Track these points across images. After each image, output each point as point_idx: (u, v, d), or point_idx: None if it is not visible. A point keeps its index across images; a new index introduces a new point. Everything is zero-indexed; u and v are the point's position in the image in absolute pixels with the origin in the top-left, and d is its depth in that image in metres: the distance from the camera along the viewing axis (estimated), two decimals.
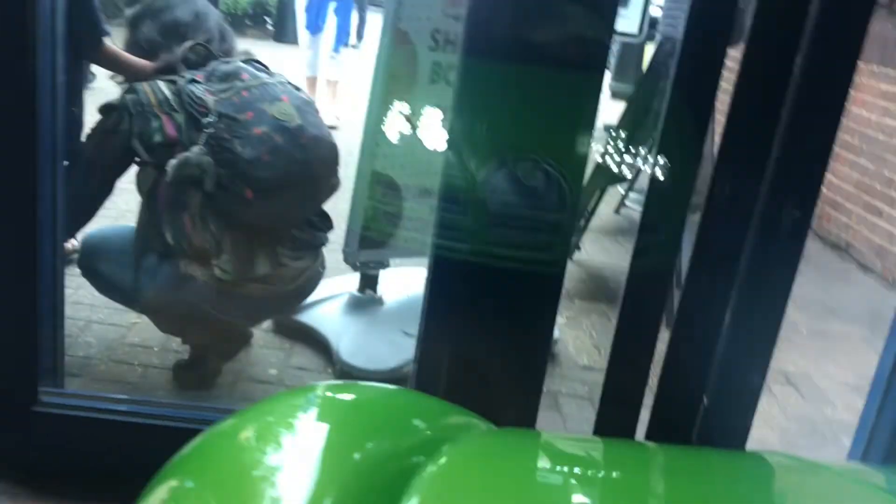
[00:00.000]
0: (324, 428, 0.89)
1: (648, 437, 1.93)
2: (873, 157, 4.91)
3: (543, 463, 0.95)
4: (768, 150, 1.66)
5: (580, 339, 3.35)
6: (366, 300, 2.84)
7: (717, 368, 1.84)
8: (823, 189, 5.37)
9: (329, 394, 1.03)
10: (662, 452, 1.14)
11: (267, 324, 2.88)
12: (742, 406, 1.84)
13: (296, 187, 2.09)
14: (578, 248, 4.32)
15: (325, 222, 2.31)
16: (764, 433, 2.82)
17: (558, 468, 0.94)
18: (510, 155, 1.70)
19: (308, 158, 2.08)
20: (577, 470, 0.93)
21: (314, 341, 2.78)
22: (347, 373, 2.60)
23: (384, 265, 2.85)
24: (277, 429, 0.87)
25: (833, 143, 1.61)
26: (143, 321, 2.63)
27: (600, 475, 0.93)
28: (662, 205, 1.79)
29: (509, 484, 0.85)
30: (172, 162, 1.98)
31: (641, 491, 0.90)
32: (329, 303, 2.84)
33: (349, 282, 2.95)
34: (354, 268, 2.81)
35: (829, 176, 5.29)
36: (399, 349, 2.58)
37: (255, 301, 2.18)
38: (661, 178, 1.74)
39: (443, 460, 0.82)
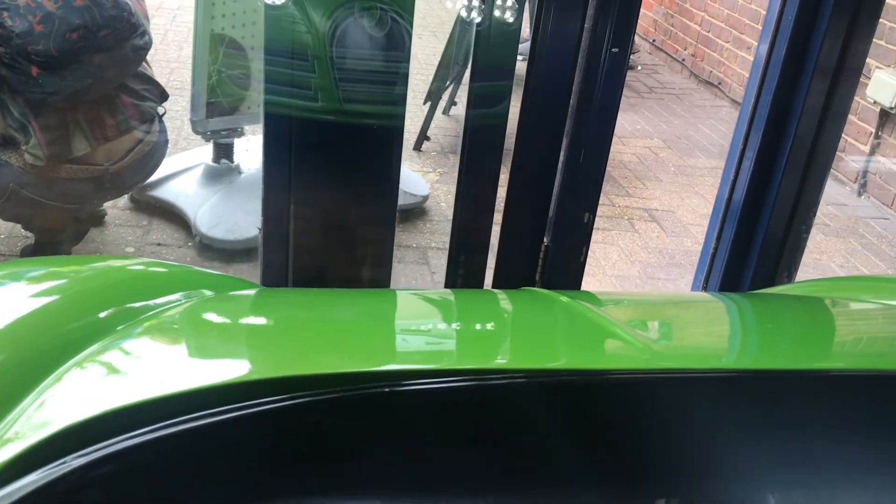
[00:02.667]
0: (32, 298, 0.87)
1: (495, 279, 1.98)
2: None
3: (261, 320, 0.97)
4: None
5: (452, 194, 3.36)
6: (222, 170, 2.76)
7: (555, 209, 1.89)
8: (696, 26, 5.41)
9: (61, 266, 1.02)
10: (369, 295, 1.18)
11: (123, 201, 2.78)
12: (578, 243, 1.90)
13: (85, 56, 1.95)
14: (455, 102, 4.28)
15: (153, 91, 2.19)
16: (625, 268, 2.94)
17: (274, 323, 0.95)
18: (357, 4, 1.63)
19: (89, 22, 1.93)
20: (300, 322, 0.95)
21: (172, 216, 2.72)
22: (208, 245, 2.56)
23: (238, 133, 2.76)
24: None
25: None
26: None
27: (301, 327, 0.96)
28: (491, 50, 1.76)
29: (201, 347, 0.85)
30: None
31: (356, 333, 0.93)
32: (184, 175, 2.75)
33: (204, 153, 2.86)
34: (205, 137, 2.71)
35: (700, 13, 5.33)
36: (259, 218, 2.54)
37: (82, 183, 2.08)
38: (489, 23, 1.71)
39: (134, 329, 0.81)
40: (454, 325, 1.01)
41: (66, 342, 0.77)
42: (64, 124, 1.99)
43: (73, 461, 0.56)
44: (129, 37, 2.03)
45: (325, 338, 0.90)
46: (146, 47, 2.10)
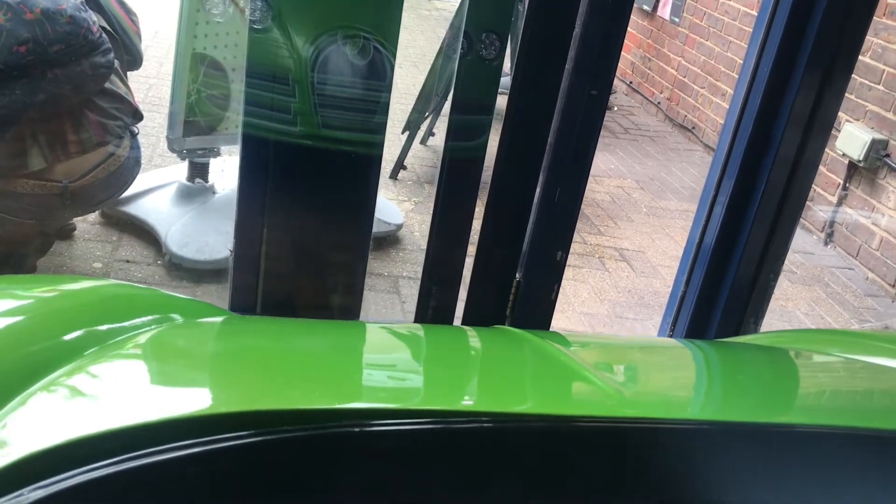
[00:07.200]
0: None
1: (466, 313, 1.98)
2: (719, 39, 5.04)
3: (223, 348, 0.96)
4: (569, 36, 1.68)
5: (427, 224, 3.36)
6: (196, 189, 2.74)
7: (528, 245, 1.90)
8: (672, 70, 5.50)
9: (26, 285, 1.00)
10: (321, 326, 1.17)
11: (94, 215, 2.75)
12: (550, 281, 1.90)
13: (35, 71, 1.90)
14: (433, 133, 4.31)
15: (124, 109, 2.15)
16: (594, 306, 2.96)
17: (243, 354, 0.94)
18: (340, 32, 1.63)
19: (40, 36, 1.88)
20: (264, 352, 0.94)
21: (143, 232, 2.69)
22: (177, 264, 2.54)
23: (214, 153, 2.75)
24: None
25: (625, 31, 1.65)
26: None
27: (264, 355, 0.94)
28: (472, 83, 1.77)
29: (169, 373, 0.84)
30: None
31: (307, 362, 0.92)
32: (157, 192, 2.73)
33: (178, 171, 2.84)
34: (181, 156, 2.69)
35: (677, 58, 5.42)
36: (230, 239, 2.53)
37: (39, 198, 2.03)
38: (471, 58, 1.72)
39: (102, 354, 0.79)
40: (424, 364, 1.00)
41: (30, 365, 0.74)
42: (19, 138, 1.95)
43: (31, 493, 0.54)
44: (88, 54, 1.99)
45: (294, 371, 0.88)
46: (108, 65, 2.05)
